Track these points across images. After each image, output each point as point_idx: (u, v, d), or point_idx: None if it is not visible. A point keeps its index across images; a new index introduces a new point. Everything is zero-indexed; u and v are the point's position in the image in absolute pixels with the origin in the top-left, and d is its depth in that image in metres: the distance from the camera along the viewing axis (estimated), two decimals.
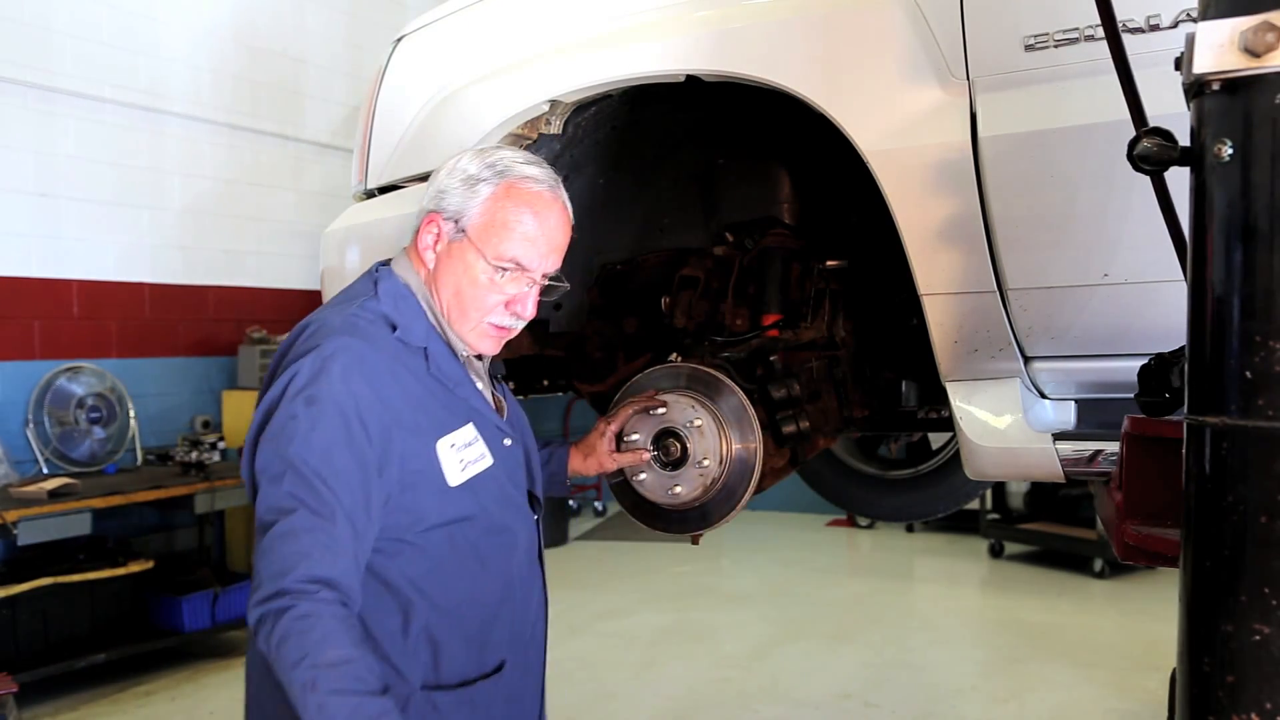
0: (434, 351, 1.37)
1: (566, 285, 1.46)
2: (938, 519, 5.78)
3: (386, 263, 1.45)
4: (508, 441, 1.44)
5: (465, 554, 1.35)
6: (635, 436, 1.84)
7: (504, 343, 1.44)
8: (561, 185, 1.43)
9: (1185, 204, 0.95)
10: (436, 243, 1.39)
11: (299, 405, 1.23)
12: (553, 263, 1.41)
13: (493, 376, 1.53)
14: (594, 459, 1.77)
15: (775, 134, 2.06)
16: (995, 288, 1.57)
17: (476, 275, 1.36)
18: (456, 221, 1.37)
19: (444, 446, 1.33)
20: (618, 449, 1.80)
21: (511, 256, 1.36)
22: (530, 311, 1.41)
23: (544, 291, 1.43)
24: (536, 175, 1.39)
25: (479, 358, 1.48)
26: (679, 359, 1.97)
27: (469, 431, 1.37)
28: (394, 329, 1.34)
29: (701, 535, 1.90)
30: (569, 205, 1.44)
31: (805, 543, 6.93)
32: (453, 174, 1.39)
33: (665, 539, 1.93)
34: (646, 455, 1.80)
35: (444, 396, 1.36)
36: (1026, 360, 1.67)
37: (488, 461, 1.38)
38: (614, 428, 1.79)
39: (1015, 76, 1.48)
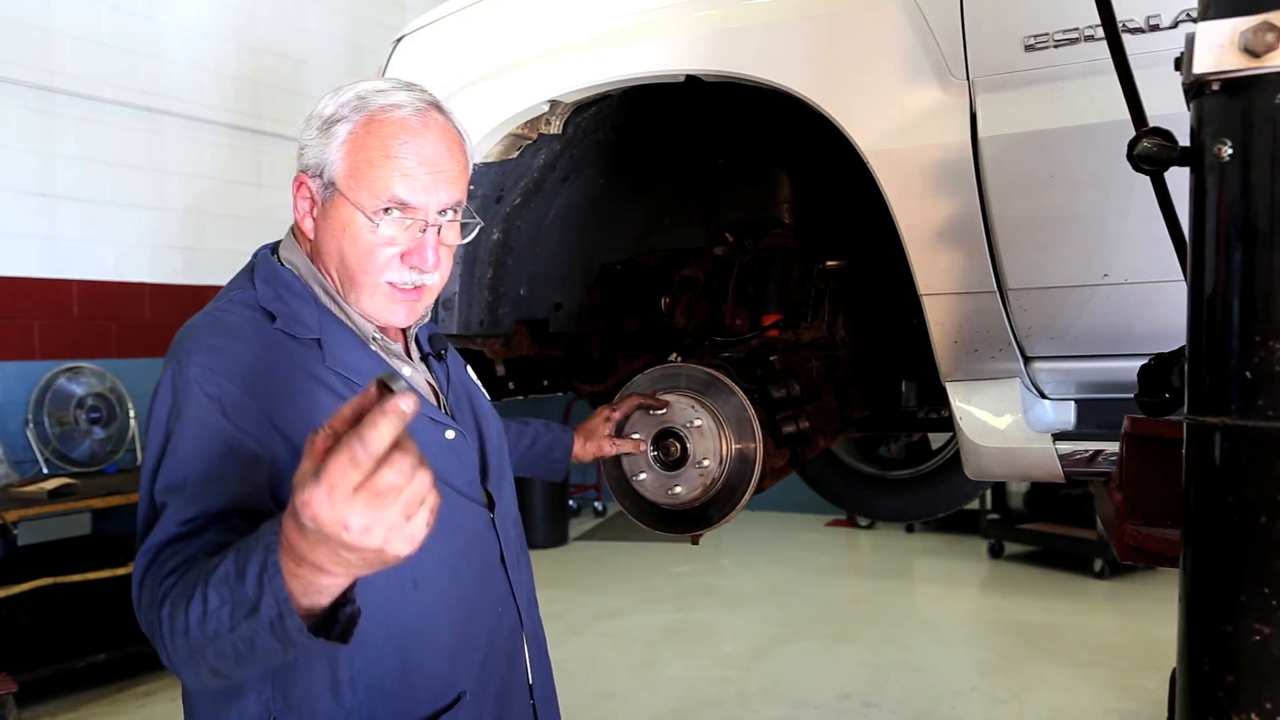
0: (330, 342, 1.14)
1: (479, 222, 1.22)
2: (937, 519, 5.77)
3: (276, 246, 1.25)
4: (450, 434, 1.22)
5: (387, 580, 0.99)
6: (635, 436, 1.84)
7: (419, 309, 1.21)
8: (440, 103, 1.18)
9: (1185, 204, 0.95)
10: (313, 208, 1.17)
11: (165, 426, 1.05)
12: (447, 195, 1.15)
13: (434, 355, 1.30)
14: (594, 443, 1.80)
15: (775, 134, 2.06)
16: (995, 288, 1.57)
17: (357, 231, 1.13)
18: (321, 175, 1.14)
19: None
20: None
21: (389, 196, 1.12)
22: (433, 261, 1.15)
23: (449, 234, 1.18)
24: (401, 100, 1.14)
25: (407, 347, 1.27)
26: (679, 359, 1.97)
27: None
28: (273, 319, 1.13)
29: (701, 535, 1.90)
30: (455, 123, 1.19)
31: (805, 543, 6.93)
32: (309, 123, 1.16)
33: (665, 539, 1.93)
34: (644, 445, 1.83)
35: (349, 395, 1.11)
36: (1026, 360, 1.67)
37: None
38: (618, 415, 1.82)
39: (1015, 76, 1.48)
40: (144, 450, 1.09)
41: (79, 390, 4.60)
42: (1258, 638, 0.84)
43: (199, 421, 1.04)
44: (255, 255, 1.22)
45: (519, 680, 1.27)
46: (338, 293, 1.18)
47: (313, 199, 1.17)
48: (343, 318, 1.18)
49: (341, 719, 1.07)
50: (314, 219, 1.18)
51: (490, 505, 1.27)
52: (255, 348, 1.10)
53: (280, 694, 1.06)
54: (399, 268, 1.15)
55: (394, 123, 1.13)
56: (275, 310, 1.14)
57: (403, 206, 1.13)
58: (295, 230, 1.23)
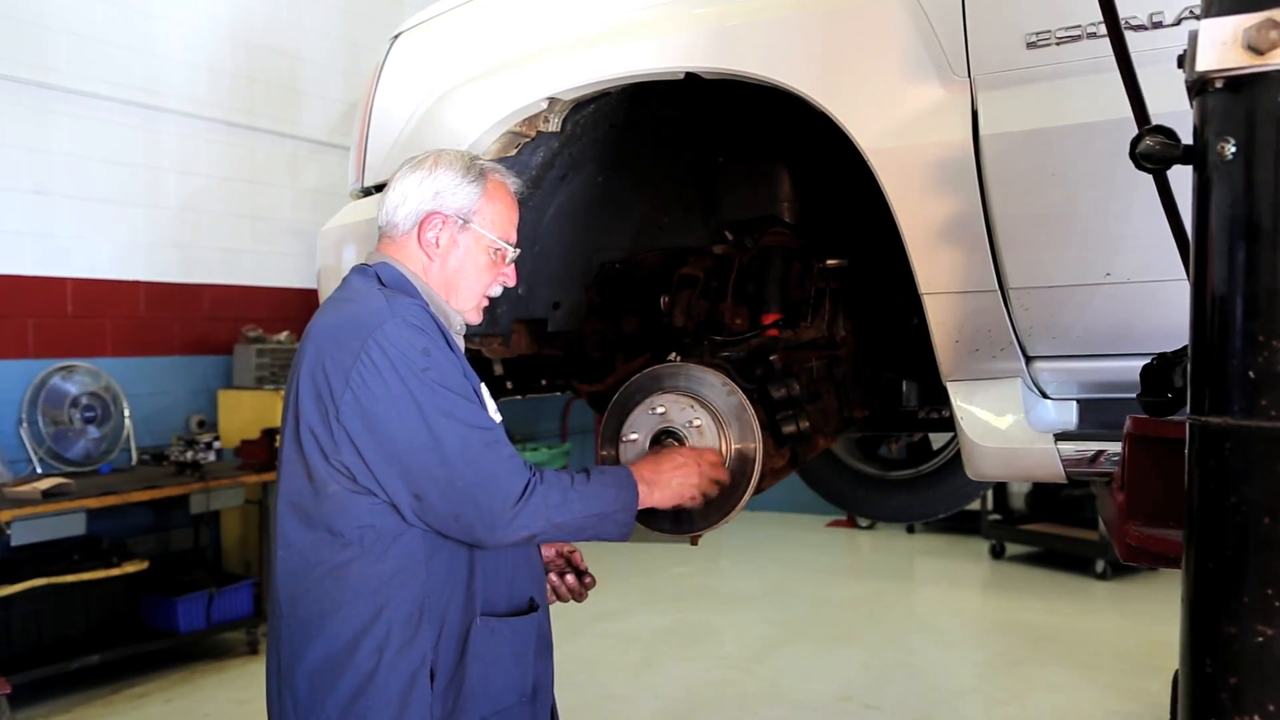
0: (442, 327, 1.53)
1: (519, 250, 1.69)
2: (938, 520, 5.78)
3: (361, 267, 1.59)
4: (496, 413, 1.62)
5: None
6: (635, 436, 1.83)
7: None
8: None
9: (1188, 202, 0.94)
10: (440, 235, 1.58)
11: (417, 363, 1.43)
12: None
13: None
14: None
15: (775, 132, 2.05)
16: (997, 287, 1.56)
17: (480, 258, 1.60)
18: (460, 215, 1.58)
19: (484, 391, 1.55)
20: (615, 451, 1.84)
21: (509, 237, 1.62)
22: (514, 278, 1.68)
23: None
24: (504, 169, 1.67)
25: None
26: (678, 358, 1.96)
27: (484, 390, 1.56)
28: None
29: (701, 536, 1.89)
30: None
31: (805, 543, 6.93)
32: (438, 178, 1.58)
33: (664, 539, 1.92)
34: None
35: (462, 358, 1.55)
36: (1028, 360, 1.66)
37: (499, 416, 1.57)
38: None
39: (1017, 74, 1.48)
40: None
41: (73, 389, 4.59)
42: (1260, 639, 0.83)
43: (448, 351, 1.50)
44: (366, 269, 1.57)
45: (545, 602, 1.66)
46: (445, 298, 1.59)
47: (441, 228, 1.57)
48: (434, 310, 1.55)
49: (466, 601, 1.49)
50: (440, 245, 1.57)
51: None
52: (429, 314, 1.52)
53: (434, 583, 1.46)
54: (493, 283, 1.64)
55: (508, 187, 1.64)
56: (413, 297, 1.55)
57: (512, 245, 1.63)
58: (395, 252, 1.58)
